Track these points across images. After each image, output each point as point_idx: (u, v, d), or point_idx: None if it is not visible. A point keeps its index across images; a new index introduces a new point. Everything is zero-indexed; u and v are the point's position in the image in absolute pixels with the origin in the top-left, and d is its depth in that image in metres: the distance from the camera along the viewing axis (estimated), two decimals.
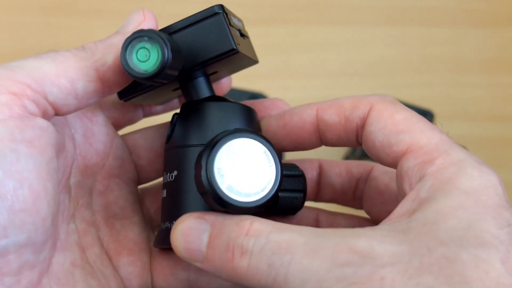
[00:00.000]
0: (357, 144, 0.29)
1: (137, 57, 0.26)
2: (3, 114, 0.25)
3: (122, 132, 0.34)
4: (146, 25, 0.29)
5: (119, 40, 0.27)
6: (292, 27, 0.61)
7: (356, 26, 0.62)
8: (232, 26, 0.29)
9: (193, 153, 0.29)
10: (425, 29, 0.62)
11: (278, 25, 0.61)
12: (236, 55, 0.29)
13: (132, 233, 0.32)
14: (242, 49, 0.29)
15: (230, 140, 0.27)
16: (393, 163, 0.27)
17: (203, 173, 0.26)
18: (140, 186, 0.35)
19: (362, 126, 0.28)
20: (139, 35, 0.26)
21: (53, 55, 0.27)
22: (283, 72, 0.60)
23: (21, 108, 0.25)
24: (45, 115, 0.26)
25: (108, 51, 0.27)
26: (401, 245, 0.22)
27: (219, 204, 0.27)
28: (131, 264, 0.31)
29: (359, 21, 0.62)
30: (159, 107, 0.35)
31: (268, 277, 0.23)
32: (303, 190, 0.31)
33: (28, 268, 0.26)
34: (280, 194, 0.30)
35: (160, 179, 0.35)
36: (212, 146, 0.27)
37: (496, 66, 0.62)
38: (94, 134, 0.31)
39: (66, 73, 0.26)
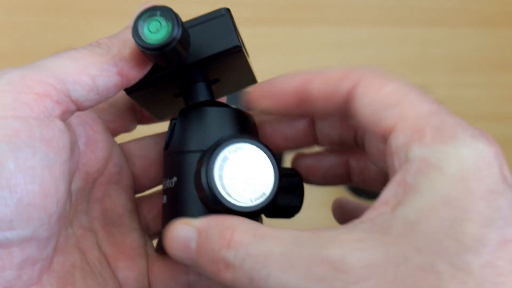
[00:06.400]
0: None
1: (148, 28, 0.26)
2: (24, 113, 0.25)
3: (119, 140, 0.35)
4: None
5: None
6: (292, 27, 0.61)
7: (356, 26, 0.62)
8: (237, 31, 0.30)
9: (193, 159, 0.29)
10: (425, 29, 0.62)
11: (278, 25, 0.61)
12: (240, 60, 0.30)
13: (129, 239, 0.32)
14: (246, 54, 0.30)
15: (229, 145, 0.28)
16: (383, 140, 0.26)
17: (203, 178, 0.27)
18: (136, 195, 0.35)
19: (348, 99, 0.27)
20: (153, 9, 0.26)
21: (72, 53, 0.27)
22: (283, 72, 0.60)
23: (42, 109, 0.25)
24: (67, 112, 0.27)
25: (124, 46, 0.28)
26: (376, 251, 0.22)
27: (221, 210, 0.27)
28: (129, 269, 0.32)
29: (359, 21, 0.62)
30: None
31: None
32: (300, 193, 0.31)
33: (30, 264, 0.26)
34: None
35: (156, 187, 0.35)
36: (211, 152, 0.27)
37: (496, 66, 0.62)
38: (95, 142, 0.31)
39: (87, 70, 0.27)
